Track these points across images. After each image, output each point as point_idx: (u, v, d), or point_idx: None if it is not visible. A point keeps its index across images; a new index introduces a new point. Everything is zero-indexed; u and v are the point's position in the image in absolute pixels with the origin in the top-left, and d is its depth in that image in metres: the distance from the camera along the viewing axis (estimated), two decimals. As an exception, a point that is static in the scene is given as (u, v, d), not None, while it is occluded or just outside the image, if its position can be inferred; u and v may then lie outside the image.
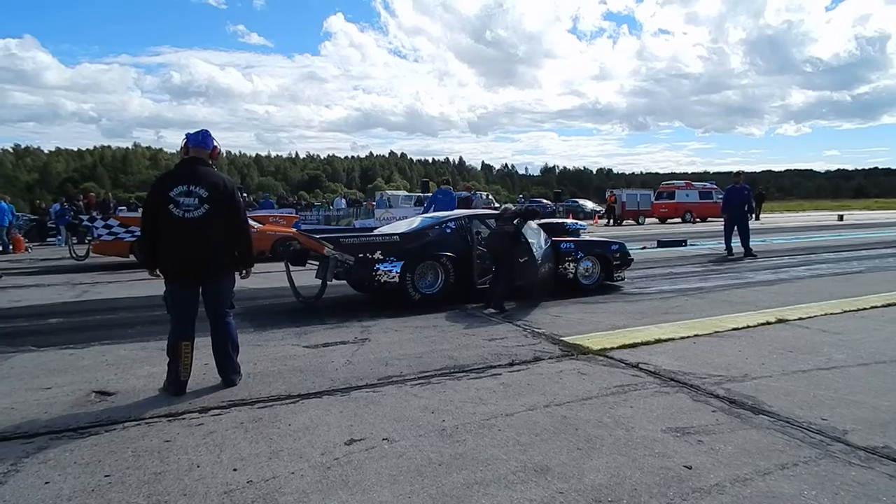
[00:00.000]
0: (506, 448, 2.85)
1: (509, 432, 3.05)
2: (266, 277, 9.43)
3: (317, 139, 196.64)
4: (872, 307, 6.13)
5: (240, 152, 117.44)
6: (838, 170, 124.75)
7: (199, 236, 3.70)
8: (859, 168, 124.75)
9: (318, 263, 6.83)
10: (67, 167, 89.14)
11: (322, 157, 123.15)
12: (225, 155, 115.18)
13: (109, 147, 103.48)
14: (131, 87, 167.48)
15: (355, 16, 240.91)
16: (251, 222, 12.99)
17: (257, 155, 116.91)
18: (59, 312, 6.87)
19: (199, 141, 3.89)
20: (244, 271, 4.03)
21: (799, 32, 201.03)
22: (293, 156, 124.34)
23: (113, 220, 11.94)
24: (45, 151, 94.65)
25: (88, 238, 12.40)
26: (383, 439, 2.97)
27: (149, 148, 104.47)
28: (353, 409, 3.43)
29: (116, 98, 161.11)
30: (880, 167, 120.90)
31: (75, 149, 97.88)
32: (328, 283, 6.54)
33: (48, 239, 20.84)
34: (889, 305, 6.19)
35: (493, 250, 6.68)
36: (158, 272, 3.83)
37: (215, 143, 3.96)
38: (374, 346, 4.91)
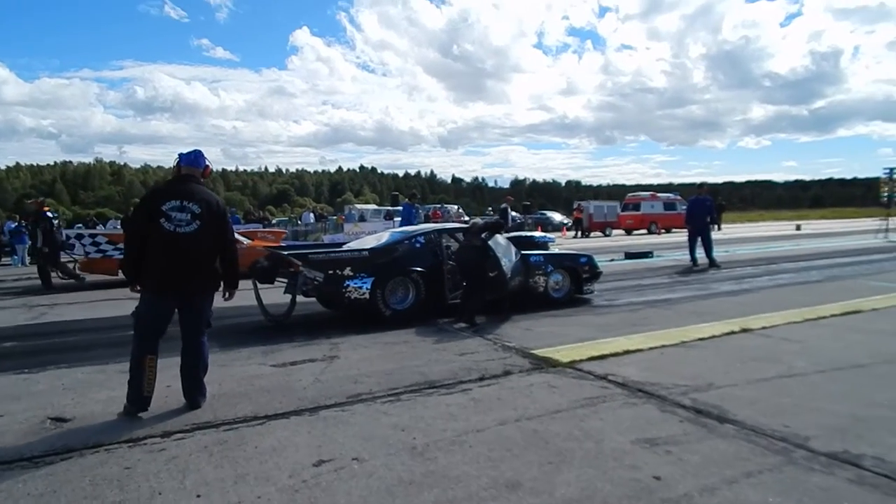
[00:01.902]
0: (477, 464, 2.84)
1: (480, 448, 3.03)
2: (233, 295, 9.28)
3: (285, 154, 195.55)
4: (831, 315, 6.32)
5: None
6: (796, 181, 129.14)
7: (189, 251, 3.68)
8: (816, 179, 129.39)
9: (286, 280, 6.73)
10: (24, 183, 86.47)
11: (291, 172, 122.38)
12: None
13: (70, 163, 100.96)
14: (93, 102, 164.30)
15: (321, 30, 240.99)
16: (240, 238, 12.85)
17: (224, 170, 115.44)
18: (14, 336, 6.60)
19: (192, 160, 3.93)
20: (227, 293, 4.03)
21: (756, 48, 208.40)
22: (261, 170, 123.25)
23: (101, 237, 11.48)
24: (2, 167, 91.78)
25: (76, 255, 11.76)
26: (353, 459, 2.93)
27: (112, 164, 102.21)
28: (322, 428, 3.38)
29: (77, 113, 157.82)
30: (835, 178, 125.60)
31: (34, 164, 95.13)
32: (297, 300, 6.44)
33: (3, 259, 20.05)
34: (846, 314, 6.39)
35: (463, 265, 6.69)
36: (139, 288, 3.76)
37: (207, 163, 4.02)
38: (343, 364, 4.85)
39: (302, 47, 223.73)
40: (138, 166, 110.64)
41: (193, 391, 3.83)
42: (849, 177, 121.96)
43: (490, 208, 35.10)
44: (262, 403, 3.84)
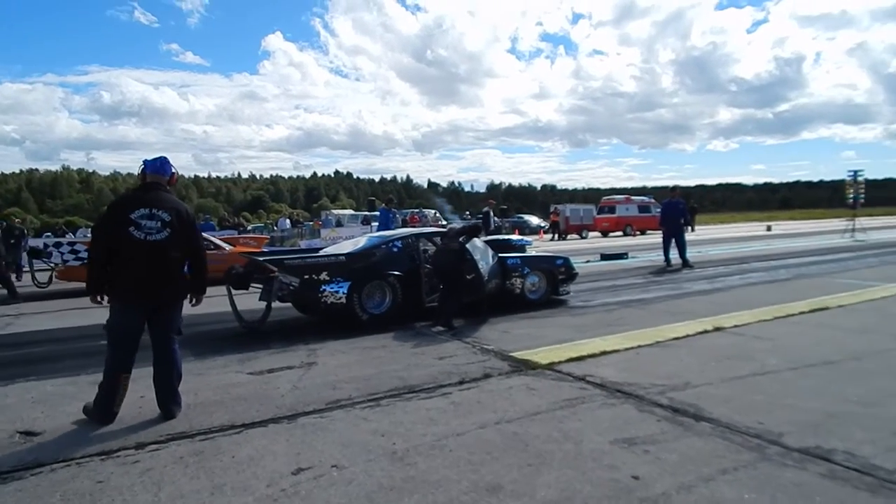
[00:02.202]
0: (457, 468, 2.83)
1: (461, 452, 3.03)
2: (207, 302, 9.13)
3: (258, 159, 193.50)
4: (800, 313, 6.47)
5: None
6: (765, 183, 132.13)
7: (160, 259, 3.64)
8: (784, 181, 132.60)
9: (261, 286, 6.65)
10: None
11: (265, 178, 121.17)
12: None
13: (36, 170, 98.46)
14: (58, 107, 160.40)
15: (294, 35, 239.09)
16: (222, 244, 12.74)
17: (196, 176, 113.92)
18: (-21, 347, 6.40)
19: (158, 167, 3.87)
20: (195, 299, 4.01)
21: (723, 54, 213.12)
22: (235, 176, 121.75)
23: (80, 245, 11.39)
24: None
25: (53, 263, 11.55)
26: (332, 466, 2.90)
27: (80, 171, 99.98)
28: (301, 436, 3.34)
29: (42, 119, 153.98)
30: (802, 180, 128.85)
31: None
32: (272, 306, 6.37)
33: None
34: (815, 311, 6.55)
35: (440, 268, 6.69)
36: (102, 299, 3.69)
37: (174, 170, 3.95)
38: (321, 370, 4.80)
39: (274, 52, 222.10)
40: (107, 173, 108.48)
41: (168, 401, 3.76)
42: (815, 179, 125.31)
43: (468, 212, 35.21)
44: (239, 412, 3.78)
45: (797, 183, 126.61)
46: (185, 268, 3.93)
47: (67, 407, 3.99)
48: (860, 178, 21.08)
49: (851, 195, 20.95)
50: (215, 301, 8.88)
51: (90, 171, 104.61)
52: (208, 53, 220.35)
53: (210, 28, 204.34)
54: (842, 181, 21.87)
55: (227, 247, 12.36)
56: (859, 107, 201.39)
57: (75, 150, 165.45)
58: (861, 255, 13.52)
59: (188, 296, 3.98)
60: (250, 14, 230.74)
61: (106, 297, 3.70)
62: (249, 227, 35.87)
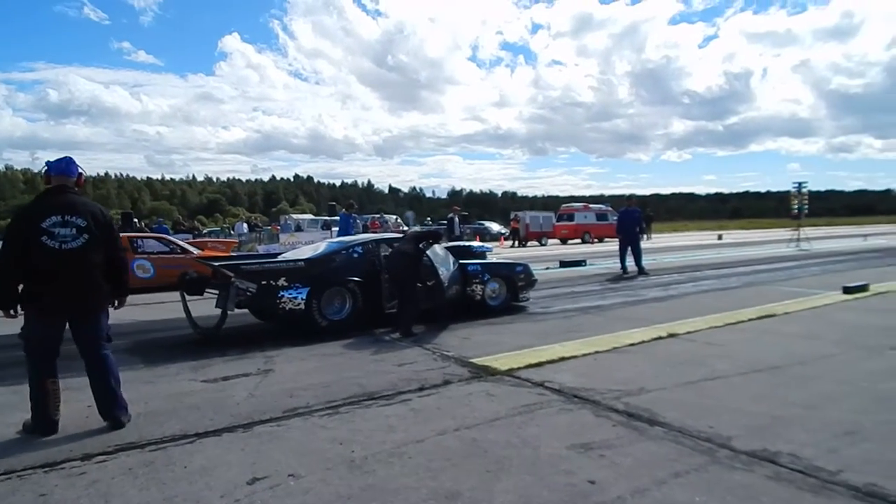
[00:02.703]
0: (416, 476, 2.82)
1: (420, 459, 3.02)
2: (160, 308, 8.89)
3: (214, 161, 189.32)
4: (749, 319, 6.71)
5: (128, 175, 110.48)
6: (716, 193, 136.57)
7: (78, 267, 3.46)
8: (734, 192, 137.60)
9: (217, 292, 6.50)
10: (-78, 191, 79.79)
11: (222, 181, 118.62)
12: (113, 177, 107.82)
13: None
14: (1, 104, 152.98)
15: (252, 36, 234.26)
16: (189, 248, 12.48)
17: (149, 178, 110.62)
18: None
19: (63, 168, 3.64)
20: (117, 301, 3.84)
21: (676, 67, 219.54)
22: (190, 178, 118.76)
23: None
24: None
25: None
26: (289, 475, 2.85)
27: (25, 171, 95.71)
28: (256, 445, 3.27)
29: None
30: (751, 191, 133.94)
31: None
32: (229, 312, 6.23)
33: None
34: (762, 318, 6.81)
35: (393, 272, 6.64)
36: (16, 313, 3.52)
37: (80, 170, 3.72)
38: (278, 377, 4.72)
39: (231, 53, 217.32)
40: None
41: (111, 407, 3.61)
42: (763, 190, 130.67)
43: (429, 218, 35.23)
44: (192, 421, 3.68)
45: (746, 193, 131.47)
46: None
47: (9, 417, 3.81)
48: (804, 190, 22.05)
49: (796, 206, 21.88)
50: (167, 307, 8.66)
51: (35, 171, 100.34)
52: (162, 53, 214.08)
53: (164, 27, 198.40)
54: (788, 192, 22.83)
55: (196, 251, 12.18)
56: (803, 121, 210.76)
57: (19, 149, 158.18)
58: (805, 264, 14.11)
59: (112, 300, 3.80)
60: (206, 14, 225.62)
61: (20, 308, 3.52)
62: (205, 231, 35.07)
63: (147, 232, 21.21)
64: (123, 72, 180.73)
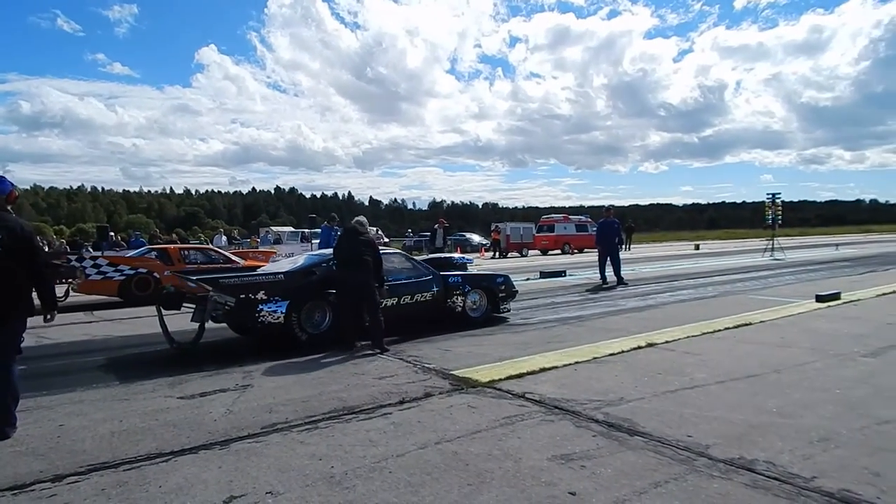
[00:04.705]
0: (396, 491, 2.80)
1: (400, 474, 3.00)
2: (135, 323, 8.74)
3: (192, 174, 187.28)
4: (726, 328, 6.80)
5: (103, 188, 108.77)
6: (693, 204, 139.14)
7: None
8: (710, 202, 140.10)
9: (194, 306, 6.41)
10: None
11: (200, 193, 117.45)
12: (88, 190, 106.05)
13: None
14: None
15: (229, 48, 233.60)
16: (235, 259, 12.81)
17: (125, 191, 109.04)
18: None
19: None
20: (48, 315, 3.90)
21: (652, 80, 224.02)
22: (167, 191, 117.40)
23: (101, 259, 11.56)
24: None
25: (69, 280, 11.17)
26: (267, 493, 2.80)
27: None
28: (234, 462, 3.21)
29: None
30: (727, 201, 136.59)
31: None
32: (206, 326, 6.14)
33: None
34: (738, 326, 6.90)
35: (350, 285, 6.32)
36: None
37: (12, 188, 3.86)
38: (257, 393, 4.65)
39: (209, 65, 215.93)
40: (27, 187, 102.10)
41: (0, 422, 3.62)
42: (738, 200, 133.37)
43: (410, 230, 35.19)
44: (168, 439, 3.61)
45: (723, 204, 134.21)
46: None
47: (-25, 438, 3.70)
48: (778, 201, 22.51)
49: (770, 216, 22.31)
50: (143, 322, 8.50)
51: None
52: (138, 64, 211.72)
53: (139, 38, 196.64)
54: (762, 202, 23.24)
55: (241, 261, 12.49)
56: (776, 133, 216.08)
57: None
58: (779, 273, 14.38)
59: (44, 314, 3.87)
60: (182, 26, 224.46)
61: None
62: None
63: (123, 246, 20.90)
64: (98, 83, 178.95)
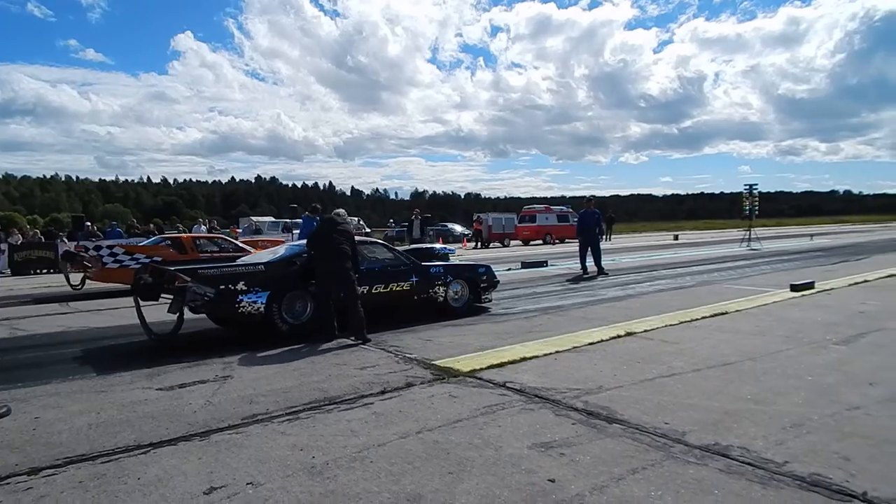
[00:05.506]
0: (378, 480, 2.81)
1: (382, 463, 3.01)
2: (112, 315, 8.61)
3: (169, 163, 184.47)
4: (703, 317, 6.91)
5: (78, 177, 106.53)
6: (672, 194, 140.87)
7: None
8: (689, 193, 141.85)
9: (171, 297, 6.33)
10: None
11: (178, 182, 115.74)
12: (62, 179, 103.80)
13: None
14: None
15: (206, 35, 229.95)
16: (246, 247, 12.52)
17: (101, 180, 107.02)
18: None
19: None
20: None
21: (632, 71, 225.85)
22: (144, 181, 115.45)
23: (118, 248, 11.53)
24: None
25: (88, 266, 11.11)
26: (247, 484, 2.80)
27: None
28: (214, 454, 3.20)
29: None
30: (706, 192, 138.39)
31: None
32: (185, 317, 6.07)
33: None
34: (715, 315, 7.02)
35: (334, 275, 6.31)
36: None
37: None
38: (237, 384, 4.63)
39: (185, 52, 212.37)
40: (2, 175, 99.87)
41: None
42: (716, 191, 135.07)
43: (392, 220, 35.09)
44: (147, 431, 3.58)
45: (701, 195, 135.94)
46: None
47: (-53, 432, 3.63)
48: (755, 192, 22.86)
49: (747, 207, 22.65)
50: (121, 313, 8.39)
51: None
52: (112, 51, 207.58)
53: (113, 25, 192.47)
54: (740, 193, 23.58)
55: (252, 250, 12.27)
56: (753, 125, 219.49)
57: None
58: (756, 263, 14.63)
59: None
60: (157, 12, 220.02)
61: None
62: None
63: (100, 236, 20.50)
64: (71, 70, 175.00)
